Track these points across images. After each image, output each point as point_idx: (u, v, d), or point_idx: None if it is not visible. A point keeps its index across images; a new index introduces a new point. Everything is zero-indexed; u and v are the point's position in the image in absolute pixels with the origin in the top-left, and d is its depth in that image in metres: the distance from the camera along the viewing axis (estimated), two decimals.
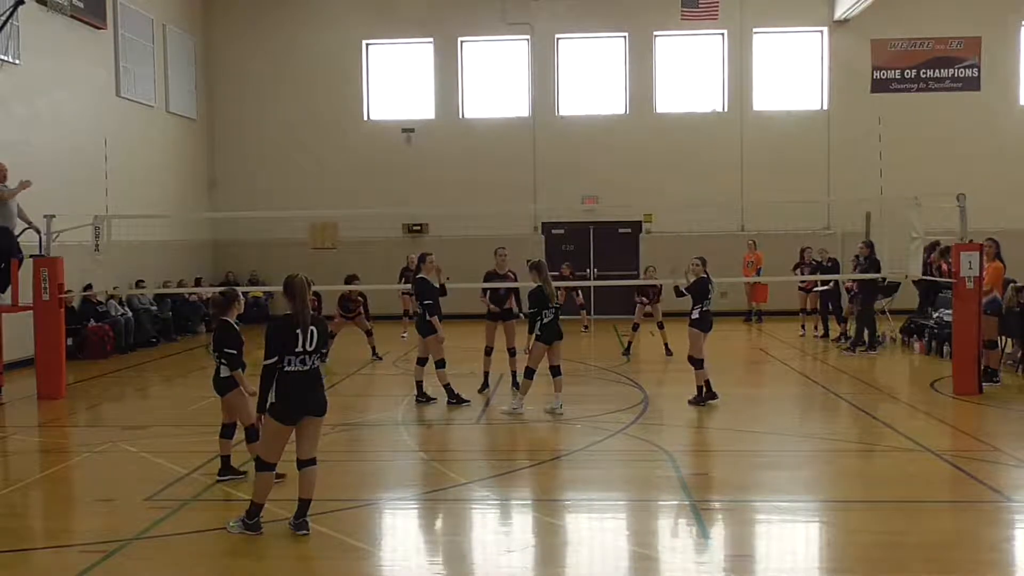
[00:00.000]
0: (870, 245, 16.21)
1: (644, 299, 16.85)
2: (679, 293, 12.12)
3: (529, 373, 11.39)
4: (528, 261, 11.78)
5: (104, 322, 17.72)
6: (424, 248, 13.74)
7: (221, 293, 8.56)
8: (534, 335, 11.37)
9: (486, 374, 13.04)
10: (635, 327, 16.96)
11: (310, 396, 6.85)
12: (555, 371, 11.45)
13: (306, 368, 6.80)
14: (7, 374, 13.62)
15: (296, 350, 6.73)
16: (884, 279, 15.31)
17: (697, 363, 11.70)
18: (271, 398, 6.79)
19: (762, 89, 24.08)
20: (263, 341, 6.82)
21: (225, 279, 23.00)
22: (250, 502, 6.96)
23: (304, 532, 6.88)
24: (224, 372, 8.15)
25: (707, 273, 11.87)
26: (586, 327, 21.04)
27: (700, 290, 11.71)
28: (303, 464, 6.97)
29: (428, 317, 11.80)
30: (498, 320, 12.98)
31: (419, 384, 12.19)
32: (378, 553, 6.78)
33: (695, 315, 11.72)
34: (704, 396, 11.71)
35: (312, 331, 6.82)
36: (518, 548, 6.87)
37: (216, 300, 8.64)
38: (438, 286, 12.01)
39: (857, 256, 17.92)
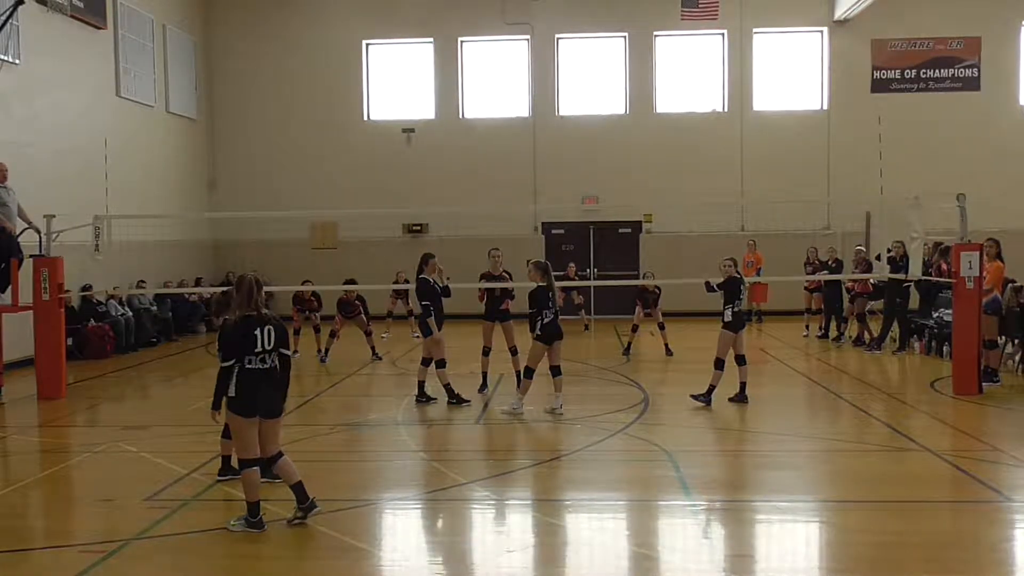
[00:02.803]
0: (903, 245, 15.82)
1: (642, 305, 16.76)
2: (710, 289, 12.15)
3: (528, 372, 11.40)
4: (530, 261, 11.77)
5: (104, 322, 17.71)
6: (425, 248, 13.72)
7: (222, 293, 8.55)
8: (534, 335, 11.37)
9: (484, 374, 13.03)
10: (634, 328, 16.94)
11: (266, 394, 6.92)
12: (555, 371, 11.45)
13: (266, 366, 6.90)
14: (7, 374, 13.61)
15: (256, 350, 6.84)
16: (908, 281, 15.23)
17: (718, 364, 11.70)
18: (231, 392, 6.86)
19: (762, 89, 24.08)
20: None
21: (225, 279, 22.97)
22: (246, 503, 6.97)
23: (316, 509, 7.09)
24: None
25: (739, 273, 11.91)
26: (586, 327, 21.05)
27: (732, 289, 11.70)
28: (273, 460, 7.09)
29: (426, 317, 11.81)
30: (495, 320, 12.97)
31: (421, 384, 12.19)
32: (378, 553, 6.78)
33: (727, 317, 11.66)
34: (707, 393, 11.71)
35: (269, 329, 6.91)
36: (518, 548, 6.86)
37: (217, 299, 8.63)
38: (440, 287, 12.01)
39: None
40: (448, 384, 12.01)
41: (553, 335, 11.25)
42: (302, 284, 16.58)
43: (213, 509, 7.72)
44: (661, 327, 16.62)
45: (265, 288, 7.23)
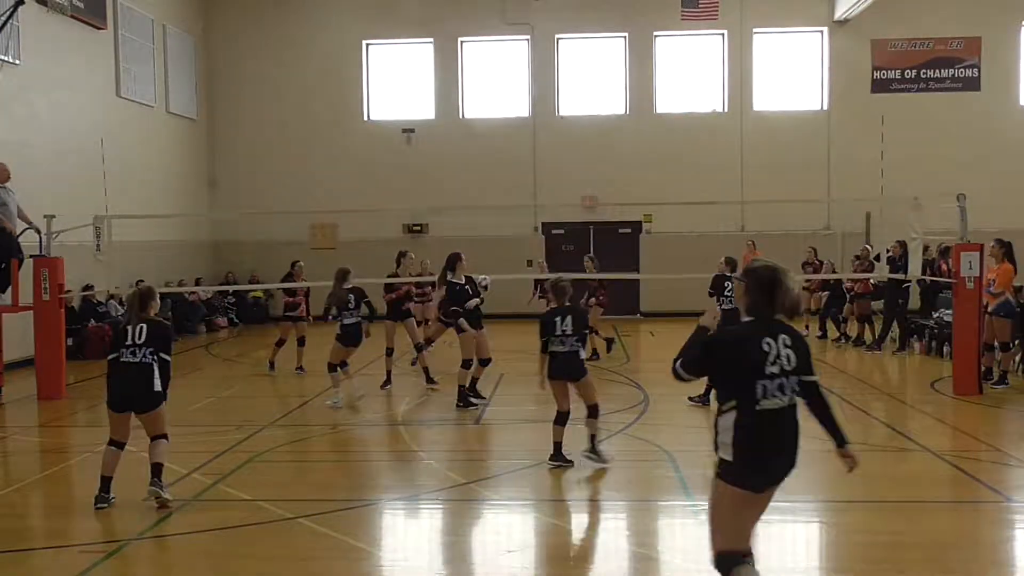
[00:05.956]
0: (903, 245, 15.72)
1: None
2: (710, 294, 12.23)
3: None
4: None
5: (104, 322, 17.71)
6: (425, 248, 13.69)
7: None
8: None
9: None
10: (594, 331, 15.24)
11: (133, 387, 7.56)
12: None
13: (136, 360, 7.51)
14: (7, 374, 13.62)
15: (127, 343, 7.55)
16: (907, 281, 15.21)
17: None
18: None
19: (762, 89, 24.07)
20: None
21: (225, 279, 23.00)
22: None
23: (158, 491, 7.53)
24: None
25: (731, 272, 11.94)
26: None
27: (716, 286, 11.93)
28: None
29: (457, 318, 11.95)
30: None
31: (463, 388, 11.94)
32: (378, 553, 6.78)
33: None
34: (705, 394, 11.69)
35: (141, 328, 7.56)
36: (518, 548, 6.86)
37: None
38: (471, 290, 12.18)
39: (858, 256, 17.96)
40: (463, 386, 11.94)
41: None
42: (292, 267, 16.59)
43: (213, 509, 7.72)
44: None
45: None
